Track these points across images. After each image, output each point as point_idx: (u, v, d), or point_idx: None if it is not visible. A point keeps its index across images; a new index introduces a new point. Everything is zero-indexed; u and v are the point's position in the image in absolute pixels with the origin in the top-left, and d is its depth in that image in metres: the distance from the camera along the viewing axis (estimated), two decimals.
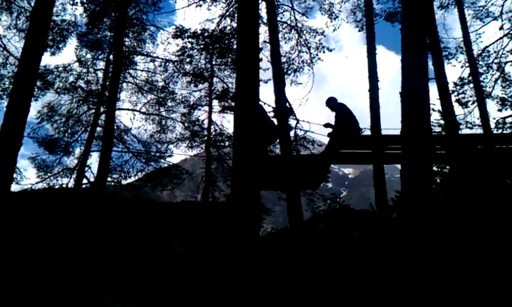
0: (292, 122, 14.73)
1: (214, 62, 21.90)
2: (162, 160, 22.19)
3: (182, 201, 30.37)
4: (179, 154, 24.64)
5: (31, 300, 11.71)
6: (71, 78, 21.07)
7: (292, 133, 15.54)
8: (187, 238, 20.64)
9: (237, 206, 7.55)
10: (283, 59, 17.20)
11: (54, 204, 17.94)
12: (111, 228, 18.95)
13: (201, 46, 20.78)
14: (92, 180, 18.15)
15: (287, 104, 13.93)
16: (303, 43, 17.91)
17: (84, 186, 18.73)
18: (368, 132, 14.10)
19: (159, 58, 21.40)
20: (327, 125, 10.40)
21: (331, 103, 10.51)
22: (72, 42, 21.04)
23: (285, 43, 18.35)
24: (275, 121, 11.75)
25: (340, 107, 10.37)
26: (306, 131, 13.34)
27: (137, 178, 22.15)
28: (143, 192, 23.92)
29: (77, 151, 21.08)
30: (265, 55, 15.70)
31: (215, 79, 22.01)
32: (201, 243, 19.10)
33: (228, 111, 20.05)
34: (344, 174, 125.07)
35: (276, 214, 23.56)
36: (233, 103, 20.49)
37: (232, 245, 7.41)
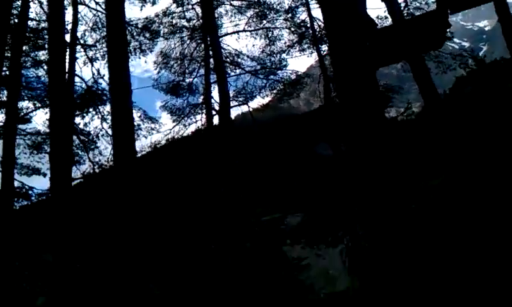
0: None
1: None
2: (280, 72, 22.10)
3: (319, 106, 30.36)
4: (293, 56, 23.72)
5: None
6: (173, 21, 21.66)
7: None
8: (334, 140, 20.58)
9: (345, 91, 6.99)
10: None
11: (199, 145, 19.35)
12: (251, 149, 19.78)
13: None
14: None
15: None
16: None
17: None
18: None
19: None
20: None
21: None
22: None
23: None
24: None
25: None
26: None
27: (262, 96, 22.51)
28: (276, 108, 24.38)
29: (200, 87, 21.99)
30: None
31: None
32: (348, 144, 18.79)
33: None
34: (480, 29, 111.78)
35: (406, 89, 22.00)
36: None
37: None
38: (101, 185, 17.22)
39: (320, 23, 20.15)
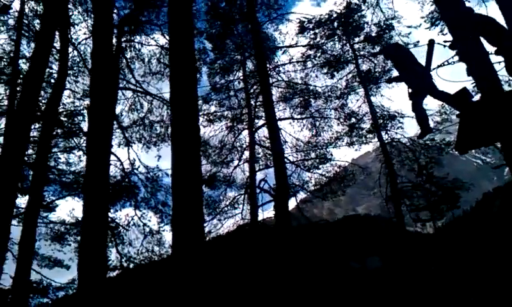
0: None
1: (352, 42, 19.70)
2: (324, 166, 20.04)
3: (343, 217, 28.74)
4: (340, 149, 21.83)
5: None
6: (212, 108, 20.38)
7: None
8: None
9: None
10: None
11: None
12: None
13: (328, 33, 19.20)
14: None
15: None
16: None
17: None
18: None
19: (296, 46, 19.63)
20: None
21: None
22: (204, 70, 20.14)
23: None
24: None
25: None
26: None
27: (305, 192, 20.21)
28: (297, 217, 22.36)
29: (239, 178, 19.85)
30: None
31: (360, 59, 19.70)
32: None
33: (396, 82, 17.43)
34: None
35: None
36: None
37: None
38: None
39: (377, 110, 18.57)
